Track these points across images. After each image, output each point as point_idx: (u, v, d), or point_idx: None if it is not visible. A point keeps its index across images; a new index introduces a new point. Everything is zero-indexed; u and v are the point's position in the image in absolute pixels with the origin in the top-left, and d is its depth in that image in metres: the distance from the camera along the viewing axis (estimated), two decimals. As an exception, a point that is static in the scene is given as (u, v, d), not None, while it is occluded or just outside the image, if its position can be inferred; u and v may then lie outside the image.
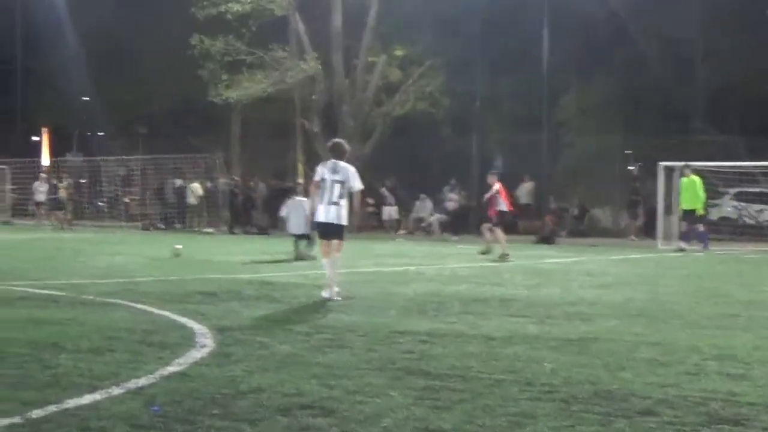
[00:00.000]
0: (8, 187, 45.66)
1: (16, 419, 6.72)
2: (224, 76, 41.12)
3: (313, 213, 15.02)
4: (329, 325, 11.75)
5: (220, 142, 52.17)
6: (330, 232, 14.89)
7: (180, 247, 22.53)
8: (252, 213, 41.01)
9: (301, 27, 42.04)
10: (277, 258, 23.50)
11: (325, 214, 14.76)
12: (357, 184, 15.04)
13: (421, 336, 10.83)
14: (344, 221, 14.90)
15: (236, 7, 40.17)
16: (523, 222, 39.73)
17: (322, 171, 14.92)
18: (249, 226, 39.59)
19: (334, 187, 14.72)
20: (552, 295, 15.71)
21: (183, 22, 43.35)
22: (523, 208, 40.44)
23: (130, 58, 57.91)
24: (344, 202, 14.86)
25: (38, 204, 44.46)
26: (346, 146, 15.56)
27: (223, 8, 40.24)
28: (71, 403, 7.27)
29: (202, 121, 54.90)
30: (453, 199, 40.37)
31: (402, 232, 40.00)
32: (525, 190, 41.69)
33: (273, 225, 36.61)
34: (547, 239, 35.28)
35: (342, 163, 14.96)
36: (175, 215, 40.98)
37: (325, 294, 14.67)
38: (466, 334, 11.11)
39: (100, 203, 45.06)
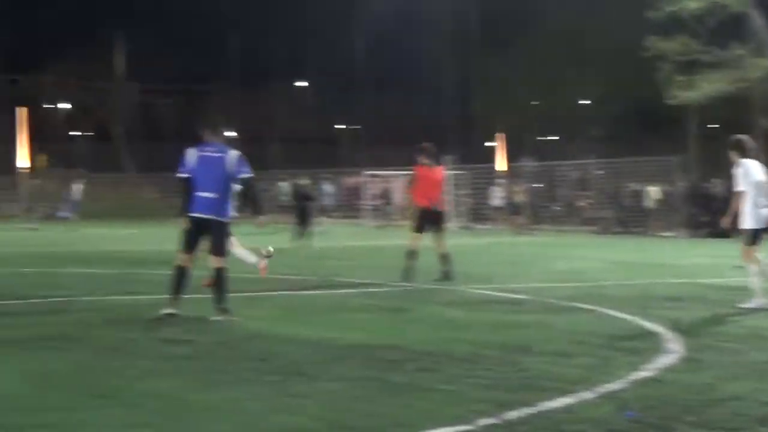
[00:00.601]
0: (466, 192, 47.13)
1: (494, 419, 6.86)
2: (680, 77, 40.27)
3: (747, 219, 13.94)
4: (803, 332, 11.18)
5: (676, 143, 51.26)
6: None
7: (271, 249, 20.89)
8: (712, 215, 39.81)
9: (760, 22, 40.46)
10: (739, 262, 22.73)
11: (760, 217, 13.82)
12: None
13: None
14: None
15: (692, 5, 39.26)
16: None
17: (749, 174, 13.91)
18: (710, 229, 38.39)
19: (764, 188, 13.84)
20: None
21: (635, 23, 43.04)
22: None
23: (584, 62, 58.39)
24: None
25: (496, 209, 45.69)
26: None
27: (677, 7, 39.46)
28: (544, 405, 7.32)
29: (658, 123, 54.27)
30: None
31: None
32: None
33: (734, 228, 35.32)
34: None
35: (757, 162, 14.02)
36: (631, 219, 40.64)
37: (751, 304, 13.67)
38: None
39: (555, 207, 45.55)
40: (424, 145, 18.28)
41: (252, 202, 12.96)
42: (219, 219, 12.08)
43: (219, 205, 12.09)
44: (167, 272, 12.54)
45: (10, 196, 53.01)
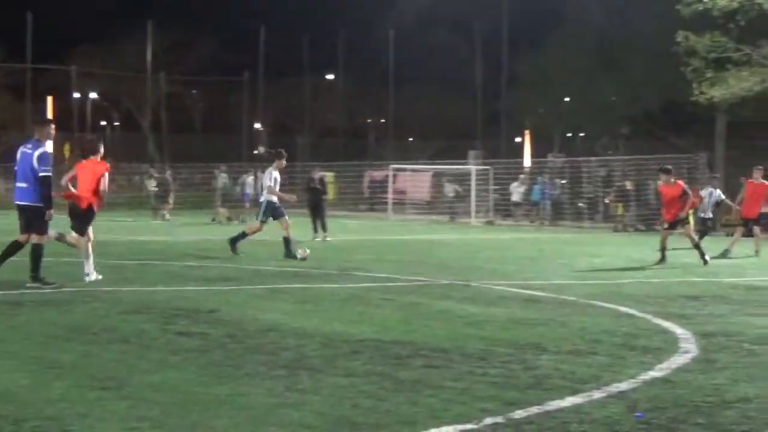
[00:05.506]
0: (491, 187, 47.01)
1: (499, 419, 6.79)
2: (709, 74, 39.86)
3: None
4: (823, 334, 11.05)
5: (704, 142, 50.99)
6: None
7: (308, 251, 20.59)
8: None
9: (792, 21, 39.96)
10: (764, 261, 22.62)
11: None
12: None
13: None
14: None
15: (722, 3, 38.82)
16: None
17: None
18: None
19: None
20: None
21: (665, 19, 42.75)
22: None
23: (613, 59, 58.27)
24: None
25: (516, 204, 45.57)
26: None
27: (709, 4, 39.05)
28: (552, 405, 7.26)
29: (685, 120, 53.99)
30: None
31: None
32: None
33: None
34: None
35: None
36: (655, 216, 40.33)
37: None
38: None
39: (580, 204, 45.29)
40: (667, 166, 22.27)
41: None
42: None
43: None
44: (182, 263, 12.52)
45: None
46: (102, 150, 16.02)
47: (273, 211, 20.94)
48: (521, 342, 10.03)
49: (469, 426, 6.62)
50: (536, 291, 15.11)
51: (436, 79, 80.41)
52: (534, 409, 7.09)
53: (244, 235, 20.95)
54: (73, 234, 15.61)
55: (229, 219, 38.13)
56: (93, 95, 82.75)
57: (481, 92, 76.32)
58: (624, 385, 7.96)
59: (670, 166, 23.06)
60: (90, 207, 15.41)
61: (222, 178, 41.44)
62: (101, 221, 20.20)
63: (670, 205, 21.61)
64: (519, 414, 6.93)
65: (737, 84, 39.86)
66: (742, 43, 39.98)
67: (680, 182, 22.51)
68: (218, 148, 69.70)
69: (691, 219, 22.32)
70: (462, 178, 47.97)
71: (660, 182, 22.22)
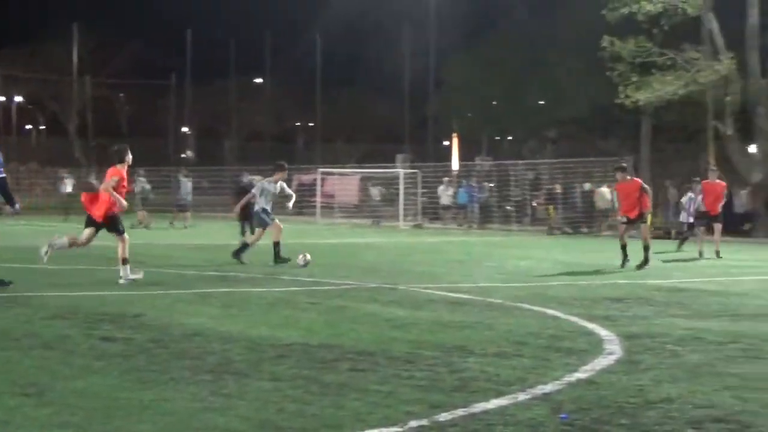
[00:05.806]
0: (419, 191, 47.14)
1: (424, 422, 6.80)
2: (634, 78, 40.31)
3: None
4: (745, 334, 11.20)
5: (629, 145, 51.62)
6: None
7: (308, 256, 20.34)
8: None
9: (715, 26, 40.60)
10: (688, 264, 22.94)
11: None
12: None
13: None
14: None
15: (648, 7, 39.32)
16: None
17: None
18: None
19: None
20: None
21: (592, 24, 43.19)
22: None
23: (541, 63, 58.76)
24: None
25: (445, 208, 45.80)
26: None
27: (634, 8, 39.53)
28: (478, 407, 7.28)
29: (611, 124, 54.62)
30: None
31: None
32: None
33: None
34: None
35: None
36: (583, 219, 40.75)
37: None
38: None
39: (507, 207, 45.55)
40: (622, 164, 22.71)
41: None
42: None
43: None
44: (107, 268, 12.40)
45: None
46: (127, 157, 16.38)
47: (259, 218, 21.04)
48: (447, 345, 10.06)
49: (394, 429, 6.62)
50: (463, 294, 15.19)
51: (364, 83, 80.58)
52: (459, 412, 7.11)
53: (277, 244, 20.76)
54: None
55: (146, 224, 37.72)
56: (18, 98, 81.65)
57: (408, 95, 76.55)
58: (549, 387, 8.02)
59: (625, 164, 23.31)
60: (108, 215, 16.07)
61: (141, 182, 40.92)
62: (28, 226, 19.97)
63: (628, 202, 21.51)
64: (444, 417, 6.94)
65: (662, 88, 40.35)
66: (666, 48, 40.48)
67: (637, 179, 22.67)
68: (145, 152, 69.05)
69: (649, 219, 22.38)
70: (390, 182, 48.07)
71: (617, 181, 22.15)
